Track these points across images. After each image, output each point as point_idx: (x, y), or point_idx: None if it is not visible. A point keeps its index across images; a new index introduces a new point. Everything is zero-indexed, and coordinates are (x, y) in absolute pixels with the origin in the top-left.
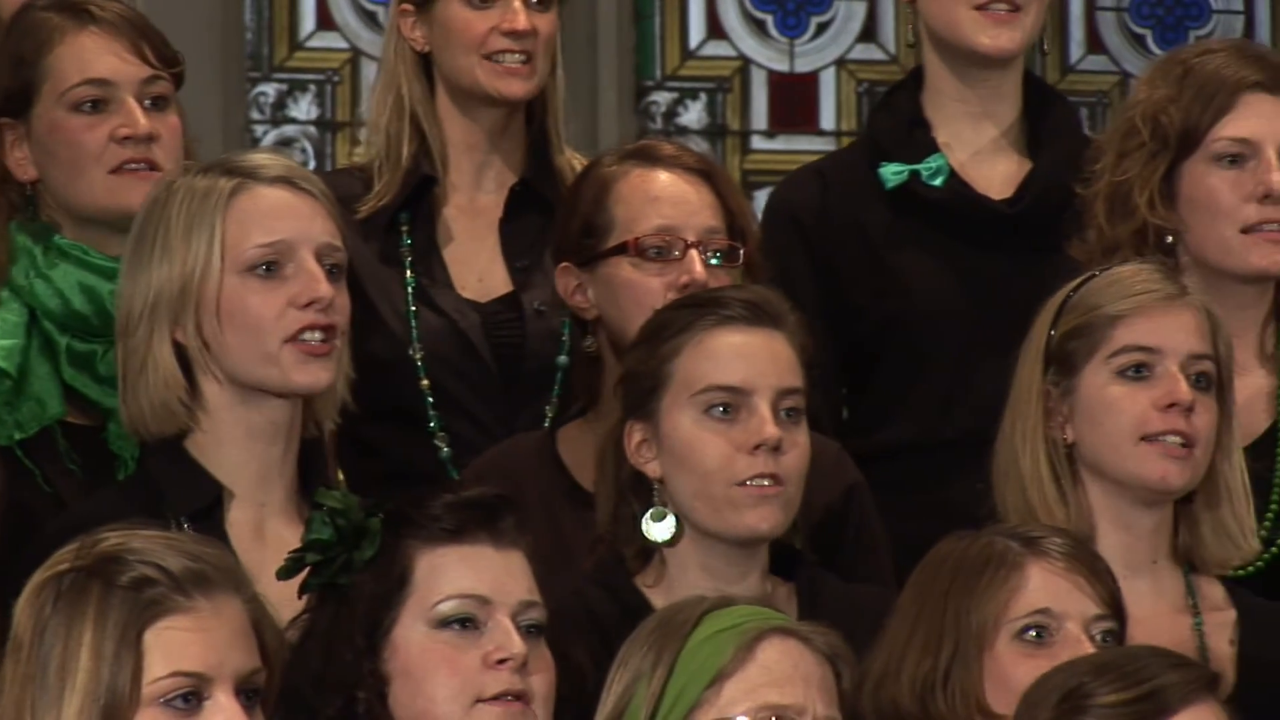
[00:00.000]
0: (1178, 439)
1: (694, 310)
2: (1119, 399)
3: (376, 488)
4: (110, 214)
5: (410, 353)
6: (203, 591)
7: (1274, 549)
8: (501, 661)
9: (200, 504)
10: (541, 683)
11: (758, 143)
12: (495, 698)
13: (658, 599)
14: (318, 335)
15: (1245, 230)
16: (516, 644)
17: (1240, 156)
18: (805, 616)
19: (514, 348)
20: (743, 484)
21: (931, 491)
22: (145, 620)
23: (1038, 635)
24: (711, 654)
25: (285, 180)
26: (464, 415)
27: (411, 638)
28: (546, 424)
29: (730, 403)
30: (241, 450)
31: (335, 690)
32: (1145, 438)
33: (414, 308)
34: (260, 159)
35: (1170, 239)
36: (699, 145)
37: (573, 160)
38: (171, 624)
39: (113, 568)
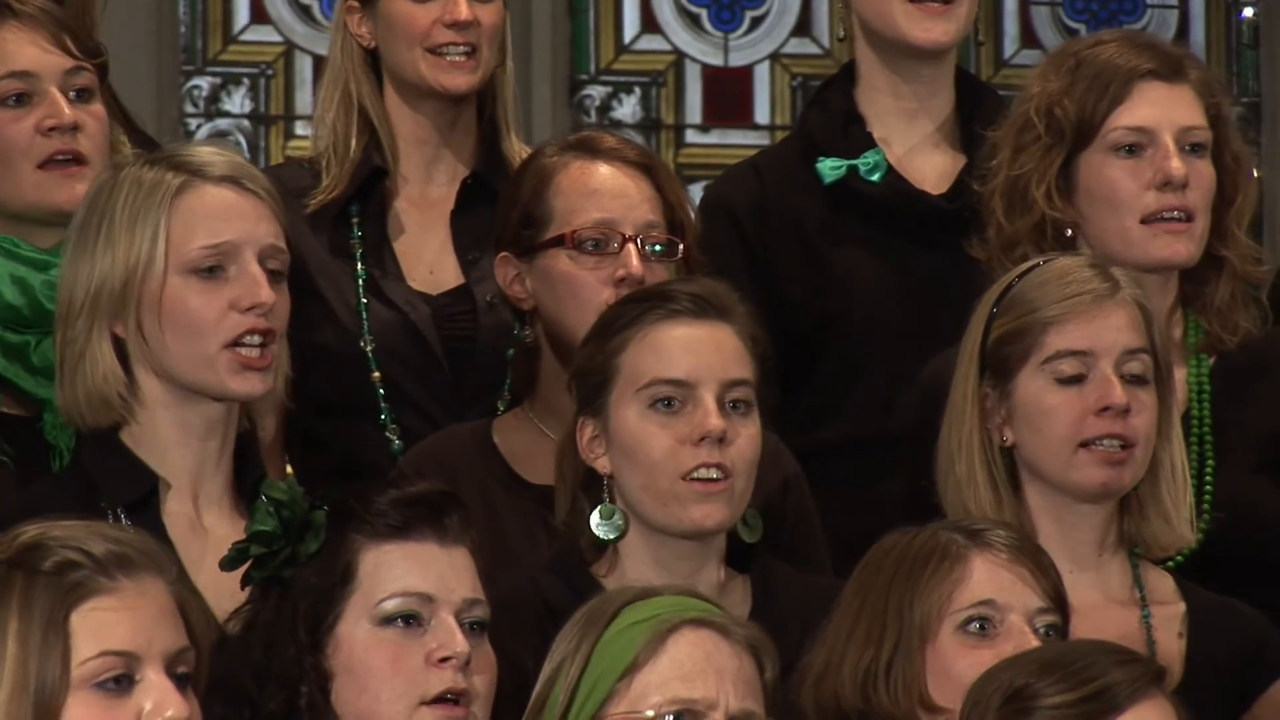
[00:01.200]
0: (1116, 443)
1: (641, 305)
2: (1055, 406)
3: (326, 481)
4: (38, 211)
5: (361, 345)
6: (126, 572)
7: (1198, 535)
8: (445, 660)
9: (136, 495)
10: (483, 682)
11: (692, 136)
12: (438, 698)
13: (612, 587)
14: (256, 340)
15: (1145, 220)
16: (460, 642)
17: (1137, 145)
18: (759, 608)
19: (465, 340)
20: (688, 477)
21: (871, 488)
22: (70, 603)
23: (981, 627)
24: (625, 646)
25: (232, 180)
26: (415, 408)
27: (355, 634)
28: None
29: (675, 396)
30: (177, 444)
31: (277, 684)
32: (1084, 444)
33: (365, 300)
34: (207, 155)
35: (1070, 232)
36: (634, 139)
37: (521, 150)
38: (97, 605)
39: (34, 555)
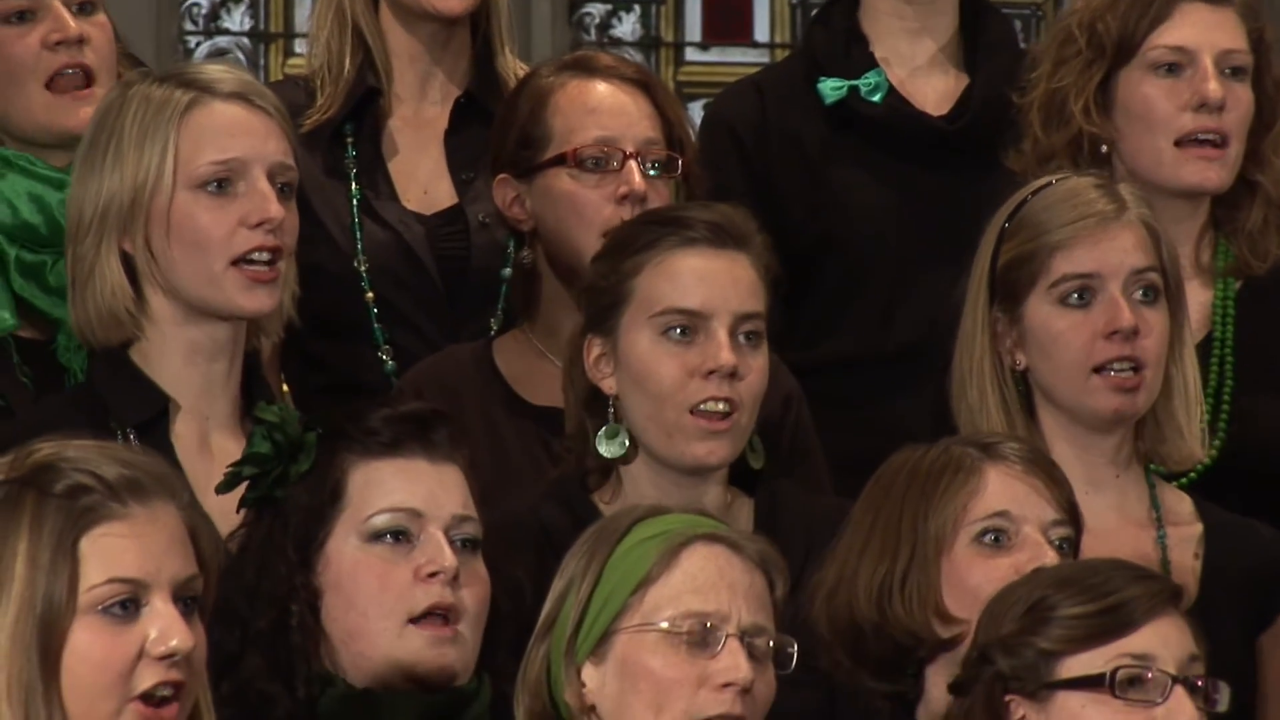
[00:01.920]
0: (1127, 365)
1: (658, 228)
2: (1064, 331)
3: (322, 400)
4: (49, 135)
5: (355, 265)
6: (138, 498)
7: (1212, 453)
8: (432, 575)
9: (146, 416)
10: (473, 597)
11: (692, 55)
12: (425, 613)
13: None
14: (264, 257)
15: (1179, 142)
16: (448, 557)
17: (1176, 65)
18: (762, 529)
19: (459, 260)
20: (695, 411)
21: (871, 406)
22: (81, 528)
23: (996, 539)
24: (637, 561)
25: (241, 96)
26: (409, 328)
27: (344, 551)
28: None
29: (688, 325)
30: (186, 364)
31: (268, 603)
32: (1095, 369)
33: (359, 220)
34: (216, 72)
35: (1105, 149)
36: (633, 57)
37: (516, 68)
38: (108, 531)
39: (47, 477)
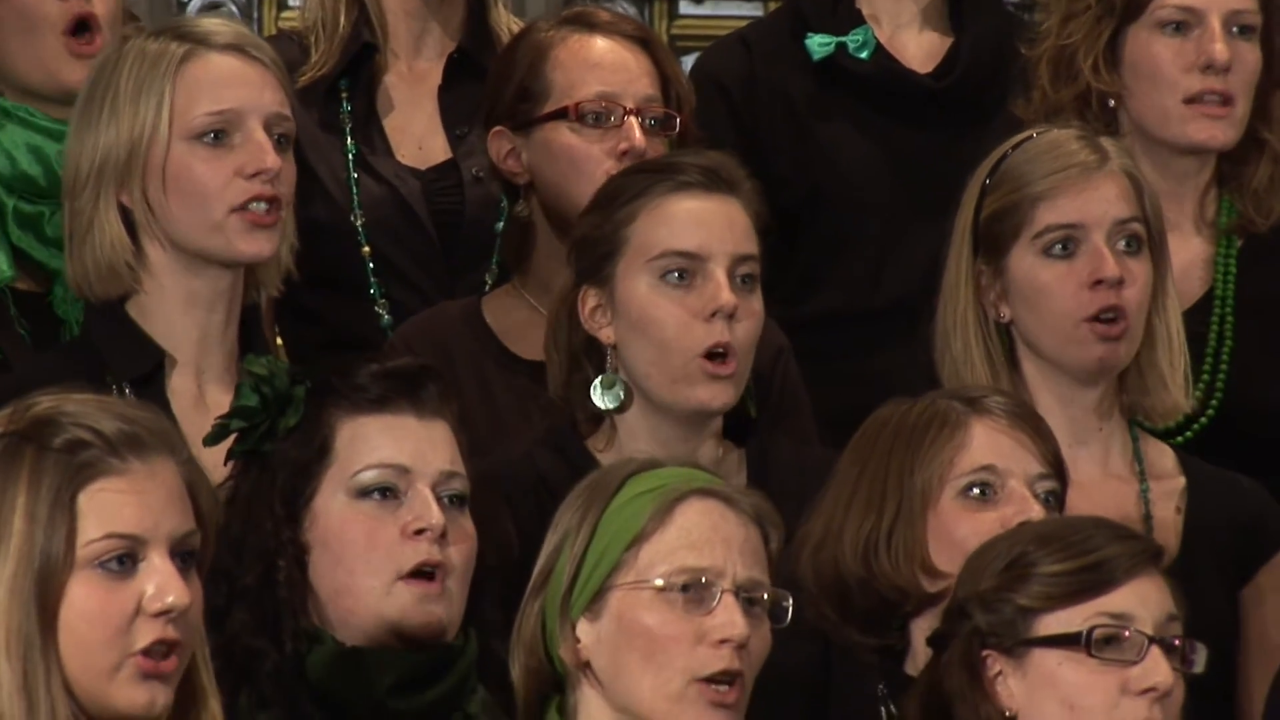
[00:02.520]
0: (1110, 315)
1: (650, 176)
2: (1049, 282)
3: (316, 355)
4: (52, 87)
5: (351, 219)
6: (137, 454)
7: (1210, 412)
8: (419, 532)
9: (142, 370)
10: (459, 554)
11: (685, 8)
12: (413, 572)
13: (608, 462)
14: (263, 206)
15: (1187, 101)
16: (435, 514)
17: (1184, 24)
18: (754, 481)
19: (453, 214)
20: (698, 357)
21: (858, 361)
22: (79, 483)
23: (982, 492)
24: (632, 517)
25: (236, 48)
26: (404, 282)
27: (331, 507)
28: (487, 290)
29: (687, 268)
30: (183, 315)
31: (254, 557)
32: (1079, 321)
33: (354, 174)
34: (212, 25)
35: (1113, 103)
36: (627, 10)
37: (510, 23)
38: (105, 486)
39: (46, 431)
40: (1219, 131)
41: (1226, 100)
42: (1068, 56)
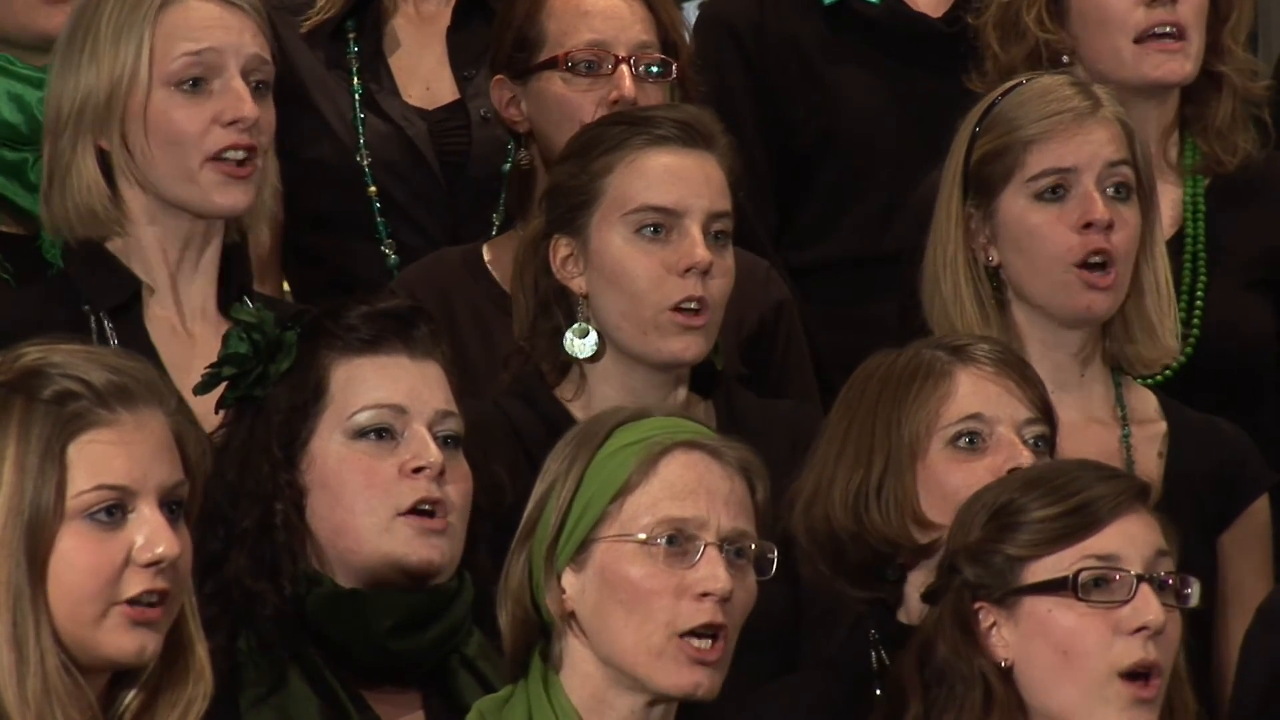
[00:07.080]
0: (1099, 259)
1: (626, 128)
2: (1039, 226)
3: (321, 296)
4: (28, 35)
5: (357, 160)
6: (125, 404)
7: (1187, 349)
8: (418, 470)
9: (119, 299)
10: (458, 492)
11: None
12: (413, 508)
13: (578, 411)
14: (239, 156)
15: (1138, 39)
16: (433, 453)
17: None
18: (723, 432)
19: (460, 155)
20: (670, 310)
21: (867, 306)
22: (69, 434)
23: (970, 441)
24: (617, 469)
25: None
26: (411, 223)
27: (328, 449)
28: (494, 233)
29: (662, 223)
30: (160, 253)
31: (252, 501)
32: (1068, 266)
33: (361, 115)
34: None
35: (1066, 58)
36: None
37: None
38: (95, 437)
39: (35, 382)
40: (1176, 66)
41: (1180, 33)
42: (1013, 15)
